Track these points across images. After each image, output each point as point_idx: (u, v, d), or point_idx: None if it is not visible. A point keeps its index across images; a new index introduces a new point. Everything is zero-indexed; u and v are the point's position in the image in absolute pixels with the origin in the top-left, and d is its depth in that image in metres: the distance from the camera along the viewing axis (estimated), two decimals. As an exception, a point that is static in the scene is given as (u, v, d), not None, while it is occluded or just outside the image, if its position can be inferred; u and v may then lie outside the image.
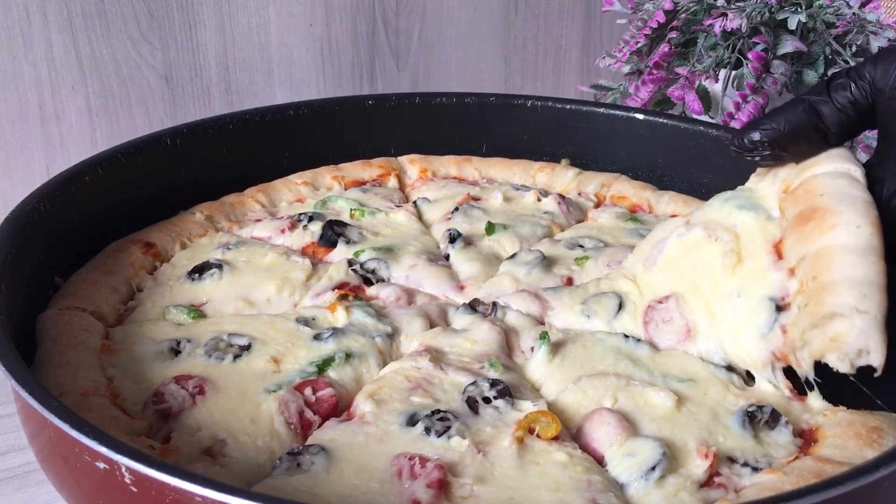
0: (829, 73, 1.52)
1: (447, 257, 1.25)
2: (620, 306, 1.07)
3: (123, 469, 0.71)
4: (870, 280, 0.83)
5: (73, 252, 1.16)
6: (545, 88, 2.12)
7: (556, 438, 0.87)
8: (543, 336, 1.02)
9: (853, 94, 0.93)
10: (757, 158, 0.98)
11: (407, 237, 1.28)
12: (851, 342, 0.81)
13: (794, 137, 0.95)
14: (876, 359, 0.80)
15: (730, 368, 0.99)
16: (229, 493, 0.67)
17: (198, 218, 1.31)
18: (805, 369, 0.87)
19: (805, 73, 1.56)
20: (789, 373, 0.93)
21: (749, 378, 0.98)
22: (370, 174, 1.48)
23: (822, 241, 0.88)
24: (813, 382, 0.89)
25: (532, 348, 1.04)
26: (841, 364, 0.82)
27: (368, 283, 1.17)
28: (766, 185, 1.02)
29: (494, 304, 1.12)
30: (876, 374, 0.82)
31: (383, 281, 1.19)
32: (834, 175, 0.93)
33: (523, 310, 1.11)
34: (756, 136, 0.96)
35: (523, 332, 1.07)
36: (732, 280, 0.97)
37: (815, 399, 0.95)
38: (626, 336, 1.04)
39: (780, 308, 0.91)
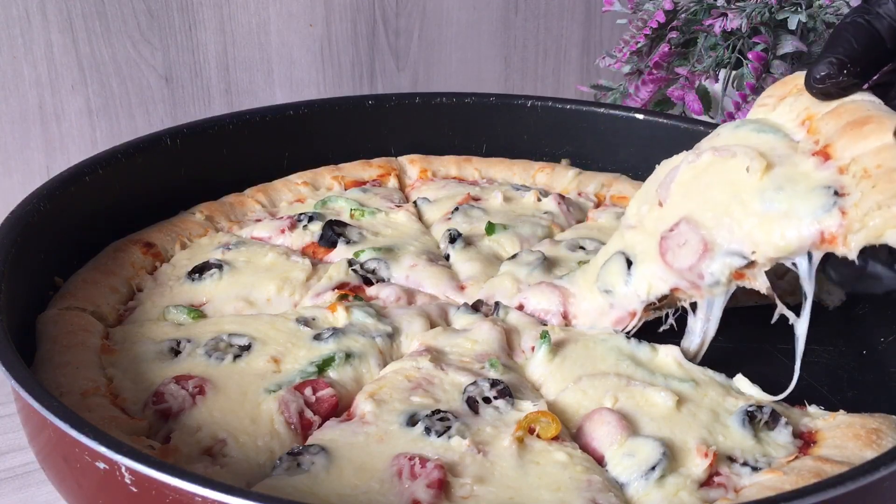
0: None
1: (447, 257, 1.25)
2: (629, 264, 1.05)
3: (123, 469, 0.71)
4: None
5: (73, 252, 1.16)
6: (545, 88, 2.12)
7: (556, 438, 0.87)
8: (544, 335, 1.02)
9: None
10: (835, 86, 0.95)
11: (407, 237, 1.28)
12: None
13: (867, 51, 0.93)
14: None
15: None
16: (229, 493, 0.67)
17: (198, 218, 1.31)
18: (852, 250, 0.87)
19: (805, 73, 1.56)
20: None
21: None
22: (370, 174, 1.48)
23: (885, 138, 0.88)
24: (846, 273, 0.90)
25: (533, 348, 1.04)
26: None
27: (368, 283, 1.17)
28: (780, 113, 1.01)
29: (497, 304, 1.12)
30: None
31: (383, 281, 1.19)
32: (871, 100, 0.94)
33: (544, 303, 1.11)
34: (827, 65, 0.93)
35: (524, 332, 1.07)
36: (763, 182, 0.94)
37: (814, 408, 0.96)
38: (628, 336, 1.03)
39: (837, 194, 0.89)
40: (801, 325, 0.95)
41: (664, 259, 1.01)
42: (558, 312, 1.10)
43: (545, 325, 1.09)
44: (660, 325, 1.06)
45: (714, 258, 0.97)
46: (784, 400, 0.97)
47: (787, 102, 1.01)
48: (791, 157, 0.95)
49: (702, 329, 1.02)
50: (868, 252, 0.87)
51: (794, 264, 0.93)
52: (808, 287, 0.92)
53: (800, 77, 1.00)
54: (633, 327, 1.05)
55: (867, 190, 0.87)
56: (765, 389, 0.97)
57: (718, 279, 0.97)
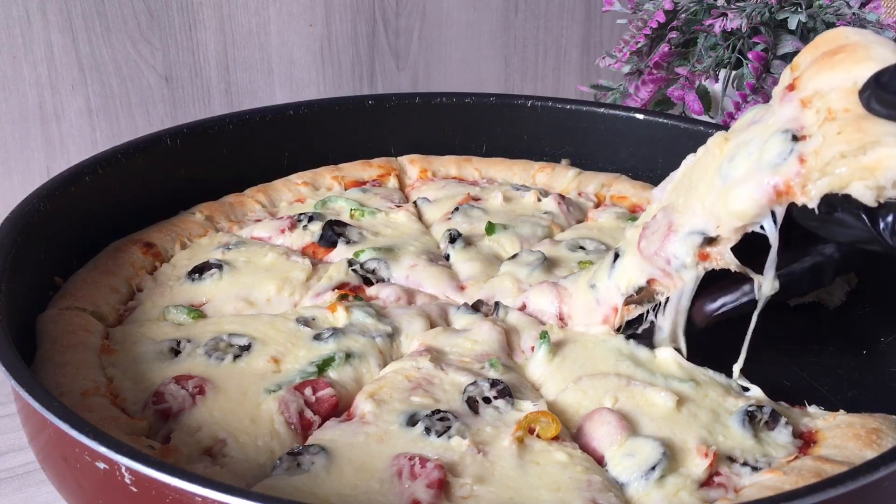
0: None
1: (447, 257, 1.25)
2: (616, 256, 1.04)
3: (123, 469, 0.71)
4: None
5: (73, 252, 1.16)
6: (545, 88, 2.12)
7: (556, 438, 0.87)
8: (544, 336, 1.02)
9: None
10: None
11: (407, 237, 1.28)
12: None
13: None
14: None
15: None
16: (229, 493, 0.67)
17: (198, 218, 1.31)
18: (812, 199, 0.83)
19: (805, 73, 1.56)
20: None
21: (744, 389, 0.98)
22: (370, 174, 1.48)
23: (855, 72, 0.83)
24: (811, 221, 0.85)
25: (532, 348, 1.04)
26: (867, 193, 0.80)
27: (368, 283, 1.17)
28: (777, 88, 0.97)
29: (497, 304, 1.12)
30: None
31: (383, 281, 1.19)
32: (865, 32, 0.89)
33: (543, 303, 1.10)
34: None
35: (524, 332, 1.07)
36: (722, 156, 0.92)
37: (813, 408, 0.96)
38: (628, 338, 1.03)
39: (796, 138, 0.85)
40: (766, 285, 0.93)
41: (639, 247, 1.00)
42: (554, 314, 1.10)
43: (563, 318, 1.09)
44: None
45: (677, 239, 0.95)
46: (784, 400, 0.97)
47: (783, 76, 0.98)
48: (762, 119, 0.92)
49: (672, 322, 1.01)
50: (833, 199, 0.83)
51: (762, 228, 0.89)
52: (774, 244, 0.88)
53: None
54: (619, 325, 1.04)
55: (831, 136, 0.82)
56: (765, 390, 0.97)
57: (684, 261, 0.95)
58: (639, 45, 1.62)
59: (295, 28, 1.78)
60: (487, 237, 1.28)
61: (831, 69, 0.86)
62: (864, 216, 0.82)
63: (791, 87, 0.90)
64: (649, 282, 1.01)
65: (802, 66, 0.91)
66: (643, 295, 1.03)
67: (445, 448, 0.85)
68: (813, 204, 0.83)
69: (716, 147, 0.95)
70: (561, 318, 1.10)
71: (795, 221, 0.88)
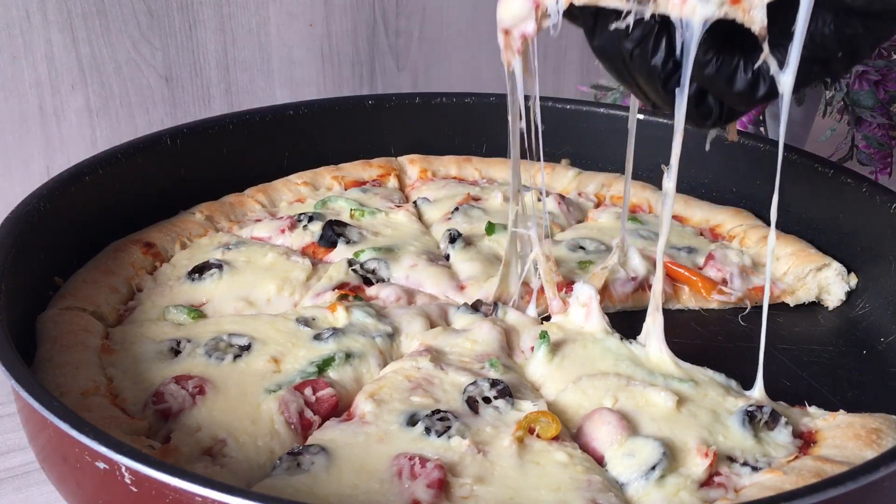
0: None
1: (447, 257, 1.25)
2: None
3: (123, 469, 0.71)
4: None
5: (73, 252, 1.16)
6: (545, 88, 2.11)
7: (556, 438, 0.87)
8: (543, 336, 1.02)
9: None
10: None
11: (407, 237, 1.28)
12: None
13: None
14: None
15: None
16: (229, 493, 0.67)
17: (198, 218, 1.31)
18: None
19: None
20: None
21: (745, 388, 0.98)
22: (370, 174, 1.49)
23: None
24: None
25: (532, 348, 1.04)
26: None
27: (368, 283, 1.17)
28: None
29: (495, 303, 1.12)
30: None
31: (383, 281, 1.19)
32: None
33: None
34: None
35: (523, 332, 1.07)
36: None
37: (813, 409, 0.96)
38: (622, 337, 1.03)
39: None
40: (787, 79, 0.83)
41: None
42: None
43: (545, 320, 1.09)
44: (641, 323, 1.04)
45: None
46: (784, 400, 0.97)
47: None
48: None
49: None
50: None
51: None
52: None
53: None
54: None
55: None
56: (765, 390, 0.96)
57: None
58: (639, 45, 1.62)
59: (295, 28, 1.78)
60: (487, 237, 1.28)
61: None
62: None
63: None
64: None
65: None
66: None
67: (445, 448, 0.85)
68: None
69: None
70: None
71: None
